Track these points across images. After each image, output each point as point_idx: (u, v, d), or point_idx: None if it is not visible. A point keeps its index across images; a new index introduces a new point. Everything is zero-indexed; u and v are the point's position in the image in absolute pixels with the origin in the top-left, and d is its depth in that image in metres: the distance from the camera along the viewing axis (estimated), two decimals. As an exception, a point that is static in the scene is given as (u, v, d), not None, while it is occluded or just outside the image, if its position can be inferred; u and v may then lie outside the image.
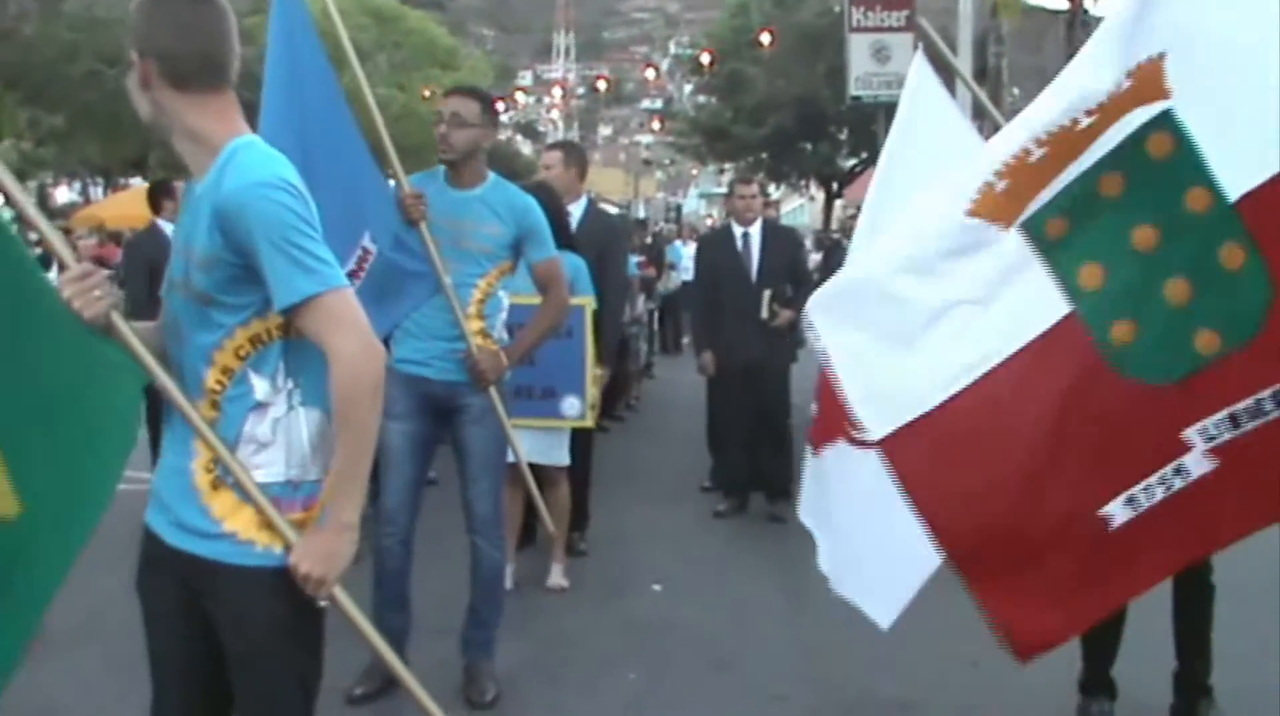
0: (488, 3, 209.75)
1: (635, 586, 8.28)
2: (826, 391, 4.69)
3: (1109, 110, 3.83)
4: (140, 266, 9.28)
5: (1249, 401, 3.73)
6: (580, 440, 8.44)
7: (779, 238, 10.61)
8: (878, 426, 4.15)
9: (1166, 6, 3.80)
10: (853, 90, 30.69)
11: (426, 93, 49.40)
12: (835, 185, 52.22)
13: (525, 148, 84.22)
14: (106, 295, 3.17)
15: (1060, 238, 3.84)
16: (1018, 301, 3.91)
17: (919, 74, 5.68)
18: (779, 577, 8.48)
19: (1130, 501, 3.86)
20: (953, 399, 3.99)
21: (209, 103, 3.28)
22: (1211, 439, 3.77)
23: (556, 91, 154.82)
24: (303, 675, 3.38)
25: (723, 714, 6.26)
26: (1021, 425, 3.92)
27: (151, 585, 3.41)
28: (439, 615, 6.51)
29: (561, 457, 8.07)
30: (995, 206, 3.93)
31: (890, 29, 30.52)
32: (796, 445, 10.33)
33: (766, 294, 10.07)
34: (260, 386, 3.27)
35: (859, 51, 30.57)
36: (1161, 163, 3.76)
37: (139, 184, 39.86)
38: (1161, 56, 3.78)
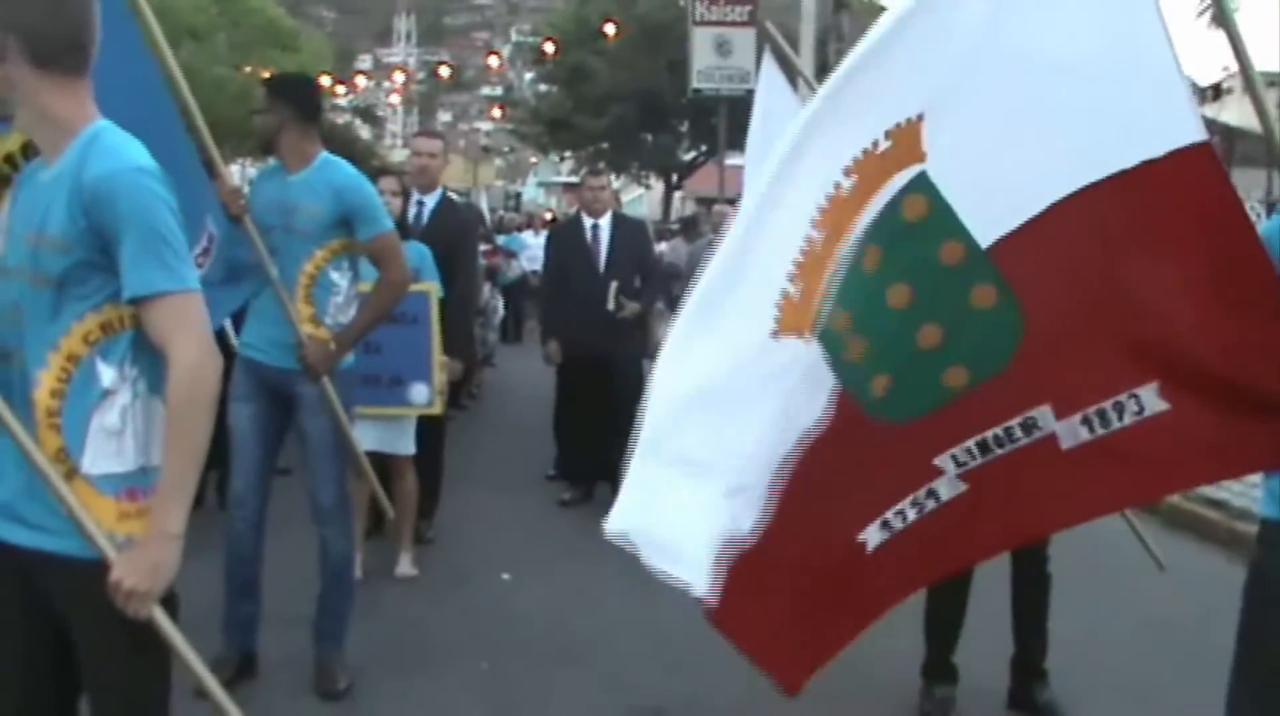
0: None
1: (484, 575, 8.31)
2: None
3: (868, 173, 3.81)
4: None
5: (998, 429, 3.85)
6: (431, 428, 8.44)
7: (628, 230, 10.69)
8: (699, 580, 4.02)
9: (927, 69, 3.78)
10: (694, 83, 30.85)
11: (265, 74, 48.65)
12: (675, 177, 52.52)
13: (364, 132, 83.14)
14: None
15: (843, 328, 3.87)
16: (807, 400, 3.92)
17: (767, 76, 5.81)
18: (625, 566, 8.43)
19: (884, 525, 3.95)
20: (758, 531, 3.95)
21: (69, 86, 3.23)
22: (962, 465, 3.89)
23: (398, 76, 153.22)
24: (161, 666, 3.32)
25: (573, 702, 6.31)
26: (801, 494, 3.90)
27: None
28: (291, 605, 6.48)
29: (406, 447, 8.05)
30: (795, 317, 3.89)
31: (733, 24, 30.72)
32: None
33: (614, 285, 10.14)
34: (107, 374, 3.21)
35: (702, 45, 30.72)
36: (915, 224, 3.79)
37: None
38: (920, 118, 3.78)
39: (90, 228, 3.13)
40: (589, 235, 10.40)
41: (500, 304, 20.53)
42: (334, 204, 5.95)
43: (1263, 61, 4.25)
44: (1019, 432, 3.85)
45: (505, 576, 8.31)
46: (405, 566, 8.12)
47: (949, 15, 3.77)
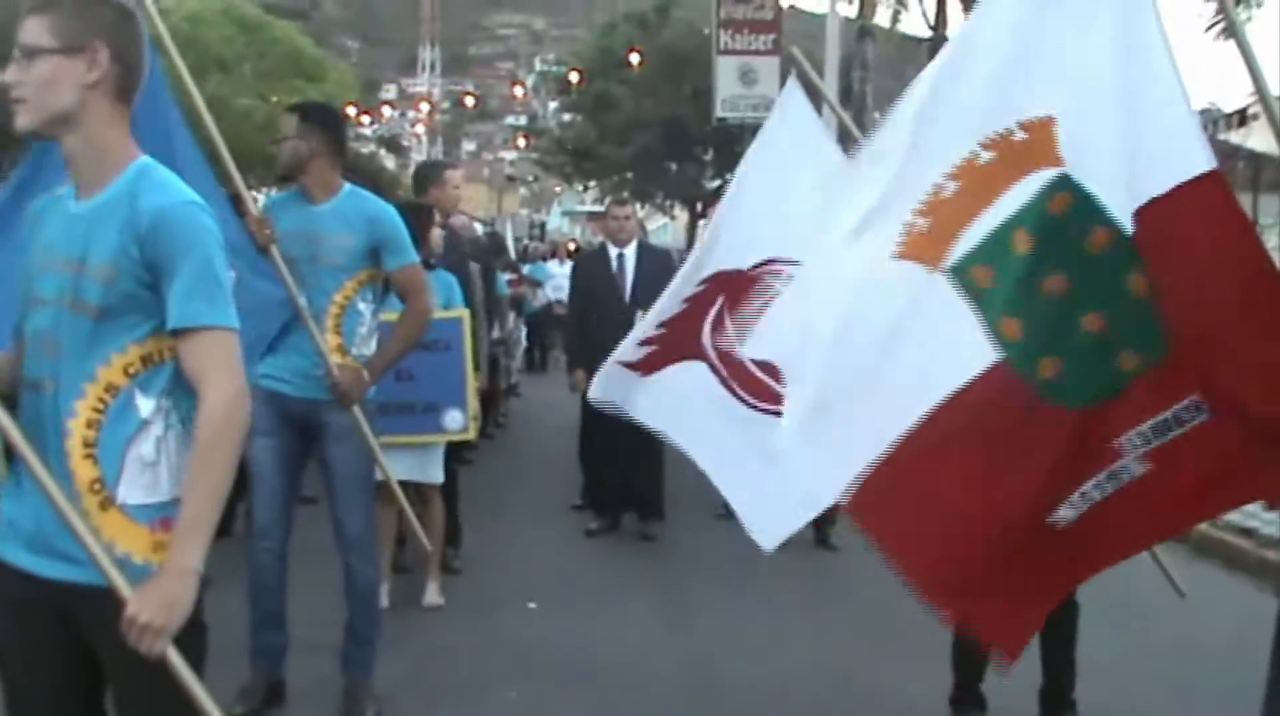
0: (352, 14, 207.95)
1: (511, 604, 8.29)
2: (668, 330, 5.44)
3: (1007, 155, 4.06)
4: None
5: (1169, 413, 3.99)
6: (445, 458, 8.43)
7: (653, 259, 10.70)
8: (833, 490, 4.27)
9: (1049, 64, 4.07)
10: (719, 112, 30.89)
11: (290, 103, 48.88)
12: (700, 205, 52.51)
13: (389, 162, 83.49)
14: None
15: (986, 287, 4.05)
16: (949, 346, 4.09)
17: (790, 97, 5.84)
18: (653, 595, 8.56)
19: (1072, 505, 4.09)
20: (897, 446, 4.13)
21: (126, 119, 3.29)
22: (1140, 446, 4.03)
23: (423, 106, 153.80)
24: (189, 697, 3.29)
25: (601, 731, 6.29)
26: (968, 461, 4.11)
27: (20, 630, 3.27)
28: (317, 633, 6.46)
29: (436, 475, 8.06)
30: (921, 247, 4.11)
31: (757, 52, 30.76)
32: (669, 465, 10.45)
33: (639, 314, 10.13)
34: (145, 405, 3.22)
35: (726, 74, 30.77)
36: (1063, 217, 4.00)
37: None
38: (1051, 120, 4.03)
39: (143, 259, 3.15)
40: (614, 264, 10.42)
41: (523, 334, 20.55)
42: (366, 234, 5.97)
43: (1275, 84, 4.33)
44: (1186, 415, 4.02)
45: (532, 605, 8.30)
46: (433, 595, 8.12)
47: (1062, 25, 4.11)
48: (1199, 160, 3.88)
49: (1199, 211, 3.88)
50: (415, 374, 7.44)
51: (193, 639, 3.24)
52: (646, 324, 5.96)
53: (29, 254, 3.34)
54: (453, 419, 7.84)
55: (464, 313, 7.95)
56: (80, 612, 3.20)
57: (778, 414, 4.67)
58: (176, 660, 3.11)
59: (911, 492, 4.18)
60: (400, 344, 6.20)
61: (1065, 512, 4.11)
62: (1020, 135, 4.06)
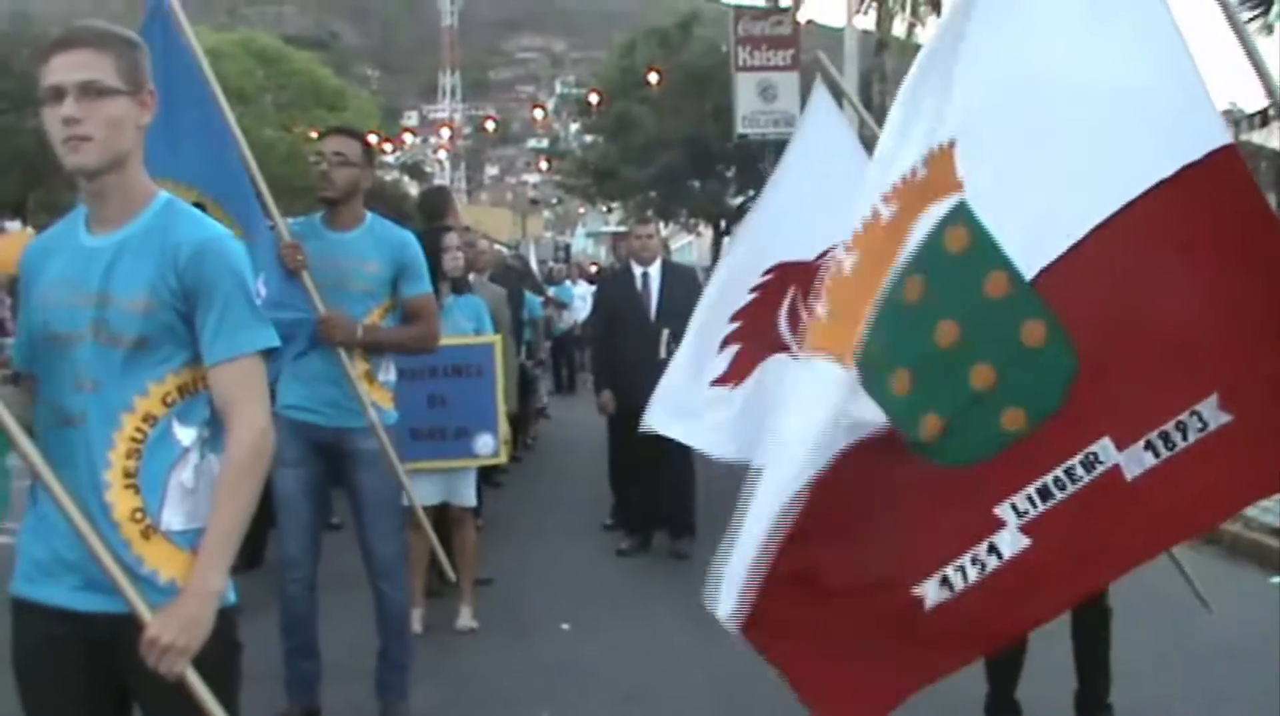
0: (372, 43, 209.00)
1: (544, 626, 8.30)
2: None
3: (907, 200, 3.85)
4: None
5: (1059, 471, 3.74)
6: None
7: (678, 277, 10.69)
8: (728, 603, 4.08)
9: (958, 92, 3.81)
10: (740, 129, 30.94)
11: (314, 134, 49.17)
12: (724, 222, 52.50)
13: (412, 188, 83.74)
14: None
15: (880, 355, 3.86)
16: (838, 412, 3.91)
17: (819, 103, 5.84)
18: (686, 614, 8.49)
19: (944, 582, 3.83)
20: (773, 544, 3.90)
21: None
22: (1023, 514, 3.77)
23: (444, 132, 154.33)
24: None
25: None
26: (843, 521, 3.89)
27: (50, 671, 3.28)
28: (351, 659, 6.49)
29: (469, 498, 8.08)
30: (831, 339, 3.94)
31: (776, 68, 30.80)
32: (698, 483, 10.44)
33: (665, 333, 10.13)
34: (186, 434, 3.26)
35: (746, 90, 30.82)
36: (959, 256, 3.78)
37: (16, 228, 39.22)
38: (952, 144, 3.80)
39: (181, 289, 3.20)
40: (639, 283, 10.43)
41: (547, 356, 20.58)
42: (391, 261, 6.04)
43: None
44: (1080, 471, 3.73)
45: (565, 626, 8.30)
46: (466, 619, 8.12)
47: (976, 42, 3.82)
48: (1220, 132, 3.69)
49: (1230, 178, 3.66)
50: (447, 399, 7.47)
51: (229, 659, 3.30)
52: (717, 322, 5.87)
53: (34, 290, 3.36)
54: (484, 444, 7.85)
55: (497, 338, 7.98)
56: (120, 643, 3.19)
57: None
58: (195, 681, 3.12)
59: (796, 589, 3.94)
60: (404, 335, 6.20)
61: (935, 591, 3.85)
62: (922, 173, 3.83)
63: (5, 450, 3.24)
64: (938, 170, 3.80)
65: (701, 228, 56.61)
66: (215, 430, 3.31)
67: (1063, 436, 3.75)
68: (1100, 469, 3.72)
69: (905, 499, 3.87)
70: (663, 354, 10.03)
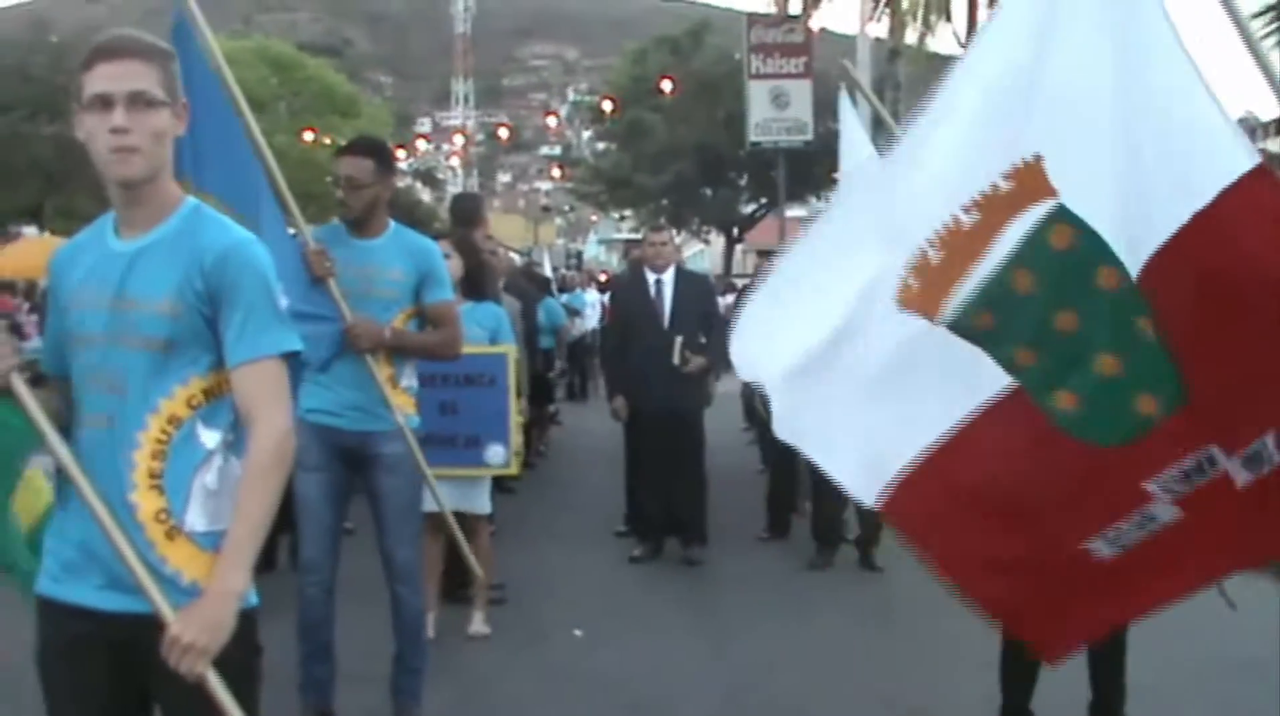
0: (385, 49, 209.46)
1: (556, 632, 8.30)
2: None
3: (992, 210, 4.00)
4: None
5: (1193, 459, 3.88)
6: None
7: (691, 284, 10.70)
8: (868, 493, 4.33)
9: (1033, 114, 3.96)
10: (752, 136, 30.68)
11: (327, 140, 49.23)
12: (736, 230, 52.59)
13: (425, 195, 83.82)
14: (8, 357, 3.18)
15: (989, 329, 4.01)
16: (963, 370, 4.08)
17: (846, 119, 5.82)
18: (697, 621, 8.55)
19: (1109, 540, 4.04)
20: (928, 455, 4.14)
21: None
22: (1170, 491, 3.93)
23: (457, 138, 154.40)
24: None
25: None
26: (997, 477, 4.11)
27: (73, 670, 3.31)
28: (364, 663, 6.49)
29: (483, 506, 8.08)
30: (917, 300, 4.12)
31: (789, 75, 30.72)
32: (711, 490, 10.45)
33: (678, 340, 10.14)
34: (211, 437, 3.28)
35: (758, 98, 30.64)
36: (1066, 252, 3.92)
37: (33, 233, 39.35)
38: (1039, 159, 3.94)
39: (206, 292, 3.23)
40: (652, 290, 10.42)
41: (561, 362, 20.59)
42: (414, 268, 6.07)
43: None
44: (1206, 466, 3.90)
45: (578, 633, 8.30)
46: (479, 625, 8.12)
47: (1038, 67, 3.97)
48: (1241, 161, 3.69)
49: (1252, 211, 3.70)
50: (459, 407, 7.48)
51: (250, 662, 3.32)
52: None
53: (61, 294, 3.39)
54: (495, 453, 7.86)
55: (510, 348, 7.99)
56: (142, 644, 3.20)
57: None
58: (216, 682, 3.13)
59: (945, 502, 4.19)
60: (429, 340, 6.22)
61: (1101, 547, 4.07)
62: (1004, 186, 4.00)
63: (28, 451, 3.30)
64: (1027, 181, 3.96)
65: (713, 235, 56.68)
66: (239, 434, 3.33)
67: (1193, 428, 3.88)
68: (1218, 468, 3.89)
69: (1054, 467, 4.03)
70: (676, 361, 10.05)
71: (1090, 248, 3.90)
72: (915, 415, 4.19)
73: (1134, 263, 3.86)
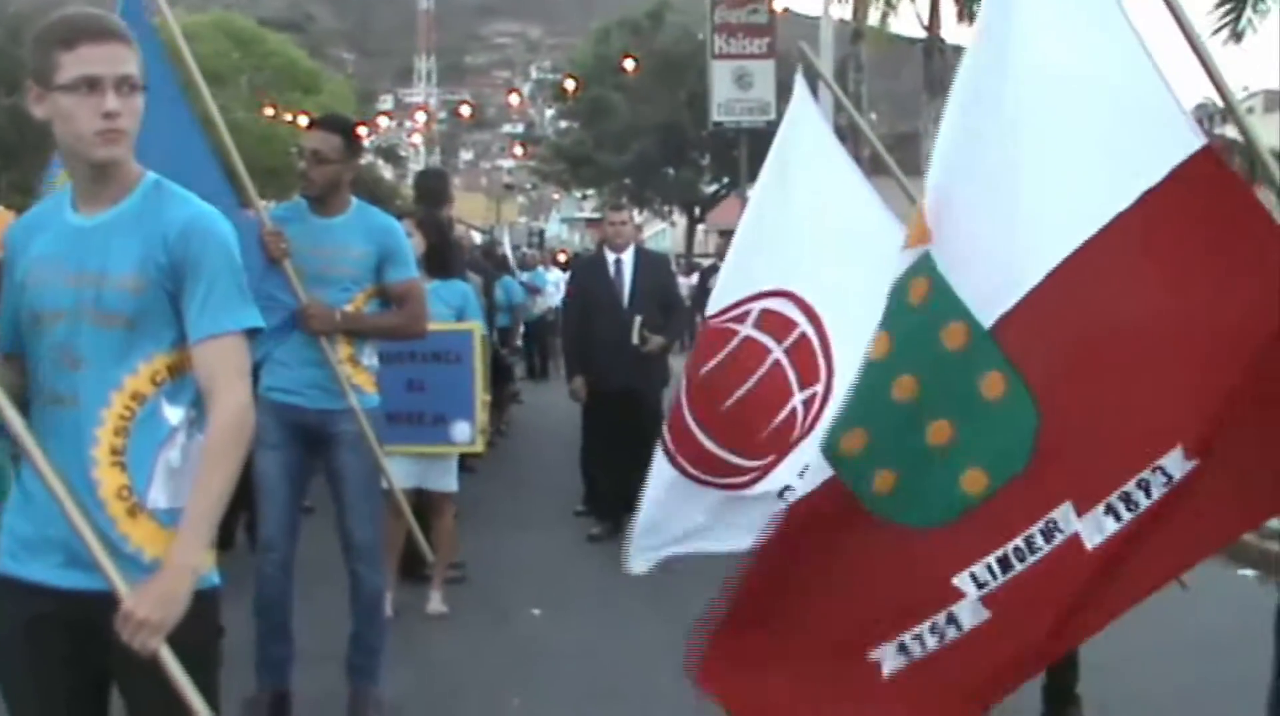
0: (348, 25, 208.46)
1: (514, 611, 8.32)
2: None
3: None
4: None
5: (1019, 541, 3.63)
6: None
7: (651, 264, 10.71)
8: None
9: (936, 150, 3.89)
10: (715, 116, 30.99)
11: (289, 116, 48.97)
12: (698, 210, 52.59)
13: (387, 172, 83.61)
14: None
15: (840, 414, 3.91)
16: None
17: (801, 102, 5.80)
18: (656, 599, 8.53)
19: (902, 649, 3.78)
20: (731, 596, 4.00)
21: None
22: (982, 586, 3.67)
23: (419, 115, 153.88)
24: (211, 702, 3.26)
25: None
26: (798, 581, 3.92)
27: (32, 648, 3.28)
28: (323, 643, 6.48)
29: (449, 484, 8.08)
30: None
31: (752, 56, 30.84)
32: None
33: (638, 320, 10.15)
34: (174, 414, 3.27)
35: (721, 78, 30.85)
36: (919, 307, 3.75)
37: (-10, 208, 39.06)
38: (924, 197, 3.85)
39: (171, 267, 3.22)
40: (612, 270, 10.42)
41: (520, 341, 20.58)
42: (376, 247, 6.02)
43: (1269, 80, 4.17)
44: (1040, 541, 3.62)
45: (536, 612, 8.33)
46: (436, 603, 8.12)
47: (956, 98, 3.86)
48: (1186, 142, 3.52)
49: (1200, 188, 3.51)
50: (426, 384, 7.45)
51: (210, 642, 3.34)
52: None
53: (18, 269, 3.35)
54: (460, 431, 7.84)
55: (477, 325, 7.96)
56: (101, 622, 3.17)
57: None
58: (169, 659, 3.10)
59: (753, 643, 3.99)
60: (386, 321, 6.18)
61: (892, 657, 3.80)
62: (904, 231, 3.95)
63: None
64: (914, 224, 3.84)
65: (676, 215, 56.69)
66: (202, 411, 3.31)
67: (1024, 501, 3.64)
68: (1059, 538, 3.61)
69: (862, 559, 3.83)
70: (635, 340, 10.05)
71: (941, 301, 3.72)
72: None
73: (995, 308, 3.66)
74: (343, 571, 6.22)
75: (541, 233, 66.57)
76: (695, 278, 22.53)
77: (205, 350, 3.24)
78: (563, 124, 64.38)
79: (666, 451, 5.63)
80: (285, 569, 6.12)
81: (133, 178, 3.32)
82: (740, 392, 5.43)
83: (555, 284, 23.54)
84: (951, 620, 3.71)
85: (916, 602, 3.76)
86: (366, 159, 72.74)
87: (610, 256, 10.49)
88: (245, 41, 54.87)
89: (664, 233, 64.27)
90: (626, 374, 10.12)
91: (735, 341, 5.54)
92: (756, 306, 5.50)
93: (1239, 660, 6.02)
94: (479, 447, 8.16)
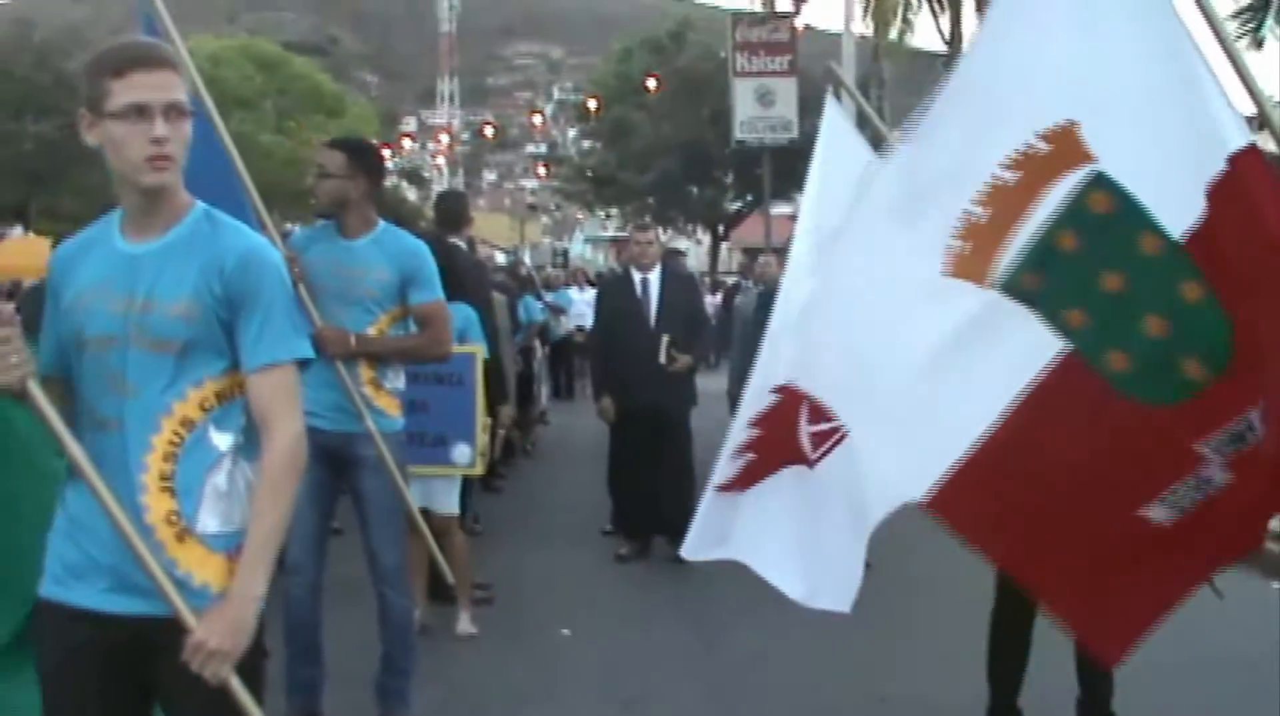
0: (371, 49, 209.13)
1: (543, 631, 8.30)
2: (764, 432, 5.09)
3: (1031, 169, 4.10)
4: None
5: (1239, 423, 3.96)
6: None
7: (677, 283, 10.69)
8: (917, 489, 4.36)
9: (1060, 74, 4.11)
10: (737, 134, 30.99)
11: (313, 138, 49.13)
12: (721, 228, 52.60)
13: (411, 194, 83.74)
14: (24, 363, 3.16)
15: (1038, 289, 4.11)
16: (1013, 346, 4.16)
17: (831, 119, 5.80)
18: (685, 618, 8.56)
19: (1167, 504, 4.10)
20: (978, 446, 4.18)
21: None
22: (1220, 453, 4.00)
23: (443, 137, 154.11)
24: None
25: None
26: (1052, 454, 4.17)
27: (76, 675, 3.28)
28: (352, 664, 6.47)
29: (450, 506, 8.01)
30: (966, 265, 4.20)
31: (774, 73, 30.85)
32: (697, 488, 10.43)
33: (665, 339, 10.14)
34: (223, 439, 3.30)
35: (743, 96, 30.86)
36: (1107, 216, 4.02)
37: (19, 234, 39.21)
38: (1073, 124, 4.05)
39: (225, 296, 3.26)
40: (639, 289, 10.41)
41: (545, 361, 20.56)
42: (400, 269, 6.01)
43: None
44: (1248, 432, 3.97)
45: (565, 632, 8.30)
46: (465, 624, 8.12)
47: (1050, 40, 4.17)
48: (1237, 135, 3.86)
49: (1251, 182, 3.85)
50: (429, 405, 7.45)
51: (259, 666, 3.35)
52: (738, 427, 5.55)
53: (65, 295, 3.37)
54: (460, 453, 7.81)
55: (479, 348, 7.94)
56: (146, 645, 3.23)
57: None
58: (238, 686, 3.16)
59: (999, 494, 4.25)
60: (407, 345, 6.16)
61: (1159, 511, 4.11)
62: (1042, 147, 4.10)
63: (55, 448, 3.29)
64: (1063, 145, 4.08)
65: (700, 233, 56.68)
66: (250, 436, 3.35)
67: (1238, 391, 3.94)
68: (1253, 437, 3.96)
69: (1110, 432, 4.12)
70: (662, 359, 10.04)
71: (1130, 213, 4.01)
72: (962, 406, 4.26)
73: (1182, 223, 3.95)
74: (369, 594, 6.23)
75: (566, 252, 66.53)
76: (720, 295, 22.47)
77: (260, 380, 3.29)
78: (585, 144, 64.48)
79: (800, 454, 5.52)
80: (314, 590, 6.13)
81: (182, 206, 3.35)
82: None
83: (587, 303, 23.55)
84: (1206, 480, 4.06)
85: (1169, 466, 4.10)
86: (390, 181, 72.92)
87: (637, 276, 10.48)
88: (270, 66, 55.03)
89: (688, 251, 64.27)
90: (654, 393, 10.11)
91: None
92: None
93: (1270, 674, 6.00)
94: (479, 470, 8.12)
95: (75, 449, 3.21)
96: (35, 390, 3.19)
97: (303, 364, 3.39)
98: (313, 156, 6.56)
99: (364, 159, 6.20)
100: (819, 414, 4.81)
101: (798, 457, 4.97)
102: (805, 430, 5.18)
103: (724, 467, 5.27)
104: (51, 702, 3.34)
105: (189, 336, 3.24)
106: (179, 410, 3.26)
